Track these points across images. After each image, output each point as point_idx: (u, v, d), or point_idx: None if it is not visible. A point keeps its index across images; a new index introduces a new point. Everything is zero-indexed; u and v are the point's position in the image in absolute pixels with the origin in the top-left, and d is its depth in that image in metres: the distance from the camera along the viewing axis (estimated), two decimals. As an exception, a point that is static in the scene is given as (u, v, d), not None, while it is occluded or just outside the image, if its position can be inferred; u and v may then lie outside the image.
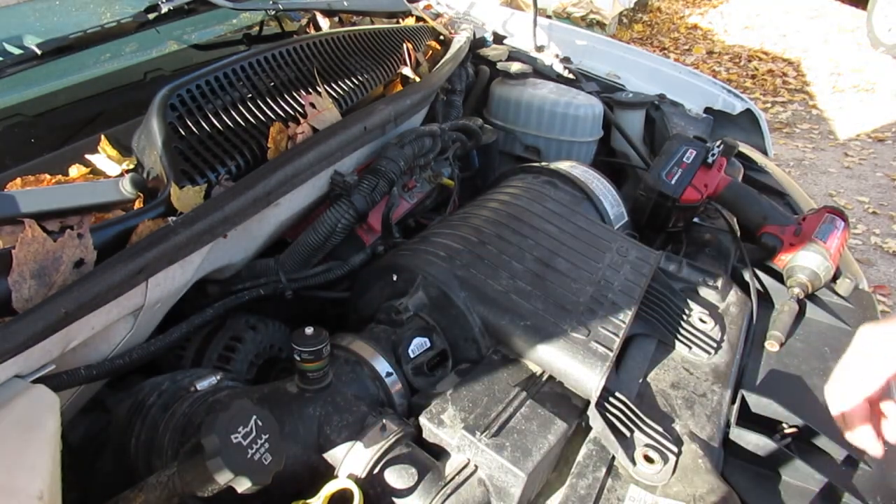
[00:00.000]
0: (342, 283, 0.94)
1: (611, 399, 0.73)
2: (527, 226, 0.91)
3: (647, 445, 0.69)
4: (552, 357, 0.73)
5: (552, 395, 0.72)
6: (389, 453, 0.61)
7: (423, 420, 0.66)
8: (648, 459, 0.68)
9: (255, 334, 0.84)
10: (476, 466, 0.63)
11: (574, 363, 0.72)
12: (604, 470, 0.68)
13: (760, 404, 0.78)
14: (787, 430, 0.76)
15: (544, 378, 0.74)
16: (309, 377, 0.63)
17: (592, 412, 0.70)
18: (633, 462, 0.68)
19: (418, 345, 0.76)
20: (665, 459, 0.68)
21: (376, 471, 0.60)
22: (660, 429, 0.72)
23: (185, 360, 0.82)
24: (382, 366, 0.71)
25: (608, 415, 0.71)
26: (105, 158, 0.83)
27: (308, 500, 0.56)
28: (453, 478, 0.61)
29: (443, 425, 0.65)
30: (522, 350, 0.75)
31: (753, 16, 5.87)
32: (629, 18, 5.67)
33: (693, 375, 0.83)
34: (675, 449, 0.70)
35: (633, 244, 0.93)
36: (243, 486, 0.48)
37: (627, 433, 0.71)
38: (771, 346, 0.91)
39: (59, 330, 0.56)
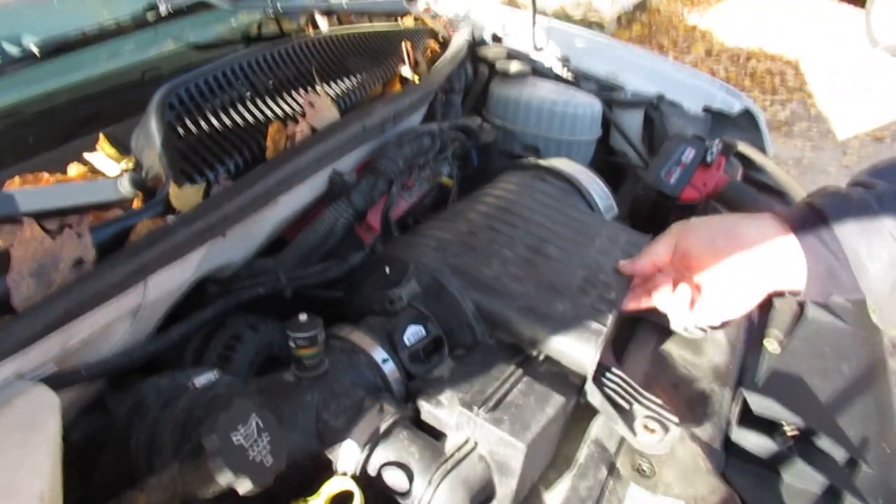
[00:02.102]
0: (341, 282, 0.94)
1: (608, 374, 0.73)
2: (517, 217, 0.91)
3: (647, 416, 0.69)
4: (547, 336, 0.73)
5: (549, 374, 0.72)
6: (388, 435, 0.61)
7: (420, 402, 0.66)
8: (649, 430, 0.68)
9: (255, 334, 0.84)
10: (476, 443, 0.63)
11: (568, 340, 0.72)
12: (605, 471, 0.68)
13: (761, 404, 0.78)
14: (789, 431, 0.76)
15: (541, 359, 0.74)
16: (305, 364, 0.63)
17: (590, 386, 0.70)
18: (634, 433, 0.68)
19: (413, 332, 0.76)
20: (666, 429, 0.68)
21: (375, 453, 0.60)
22: (659, 401, 0.71)
23: (185, 360, 0.82)
24: (378, 353, 0.71)
25: (606, 389, 0.72)
26: (104, 157, 0.83)
27: (308, 500, 0.56)
28: (453, 454, 0.62)
29: (440, 405, 0.65)
30: (517, 331, 0.75)
31: (753, 16, 5.87)
32: (628, 19, 5.67)
33: (693, 375, 0.83)
34: (675, 419, 0.69)
35: (624, 229, 0.93)
36: (244, 487, 0.48)
37: (626, 406, 0.71)
38: (771, 345, 0.91)
39: (58, 329, 0.56)
